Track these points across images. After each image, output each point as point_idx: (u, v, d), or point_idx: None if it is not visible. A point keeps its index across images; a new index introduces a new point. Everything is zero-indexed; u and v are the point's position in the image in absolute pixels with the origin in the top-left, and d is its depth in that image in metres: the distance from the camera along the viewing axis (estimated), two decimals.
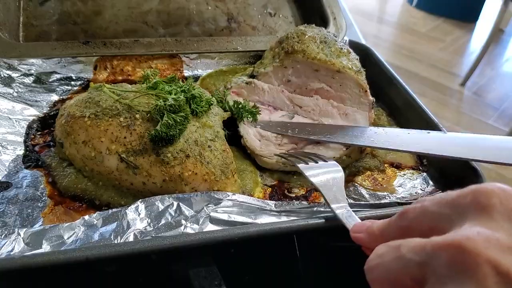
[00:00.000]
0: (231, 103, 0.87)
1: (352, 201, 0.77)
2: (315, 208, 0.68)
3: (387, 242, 0.40)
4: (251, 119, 0.86)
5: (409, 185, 0.83)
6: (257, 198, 0.74)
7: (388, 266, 0.38)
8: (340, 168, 0.71)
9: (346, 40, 1.14)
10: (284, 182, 0.82)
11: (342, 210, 0.59)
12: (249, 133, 0.85)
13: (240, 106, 0.86)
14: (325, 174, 0.68)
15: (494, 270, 0.31)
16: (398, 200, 0.76)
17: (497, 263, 0.31)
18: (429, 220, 0.40)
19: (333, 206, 0.60)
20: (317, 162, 0.73)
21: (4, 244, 0.57)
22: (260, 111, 0.88)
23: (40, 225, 0.64)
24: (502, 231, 0.34)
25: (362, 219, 0.54)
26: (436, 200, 0.41)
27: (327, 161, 0.73)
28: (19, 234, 0.58)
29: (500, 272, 0.31)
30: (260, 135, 0.86)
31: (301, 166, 0.72)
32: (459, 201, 0.38)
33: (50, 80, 0.95)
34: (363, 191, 0.81)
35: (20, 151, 0.78)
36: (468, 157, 0.71)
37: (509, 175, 2.65)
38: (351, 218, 0.56)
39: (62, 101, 0.92)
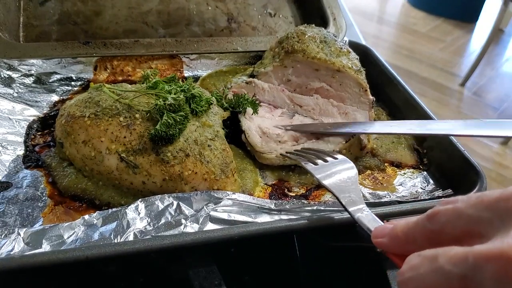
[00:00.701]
0: (230, 97, 0.87)
1: None
2: (315, 207, 0.68)
3: (420, 252, 0.36)
4: (252, 111, 0.86)
5: (410, 184, 0.83)
6: (257, 197, 0.74)
7: (424, 280, 0.34)
8: (352, 164, 0.65)
9: (346, 41, 1.14)
10: (284, 181, 0.82)
11: (361, 213, 0.54)
12: (251, 128, 0.85)
13: (240, 98, 0.86)
14: (337, 174, 0.63)
15: None
16: (399, 199, 0.75)
17: None
18: (464, 224, 0.36)
19: (350, 210, 0.55)
20: (326, 161, 0.67)
21: (4, 244, 0.57)
22: (260, 103, 0.88)
23: (40, 225, 0.64)
24: None
25: (381, 217, 0.51)
26: (472, 201, 0.37)
27: (337, 157, 0.67)
28: (19, 234, 0.58)
29: None
30: (261, 131, 0.86)
31: (309, 167, 0.67)
32: (501, 204, 0.35)
33: (50, 81, 0.96)
34: (364, 190, 0.80)
35: (20, 151, 0.78)
36: (447, 133, 0.78)
37: (509, 175, 2.65)
38: (371, 221, 0.51)
39: (62, 101, 0.92)
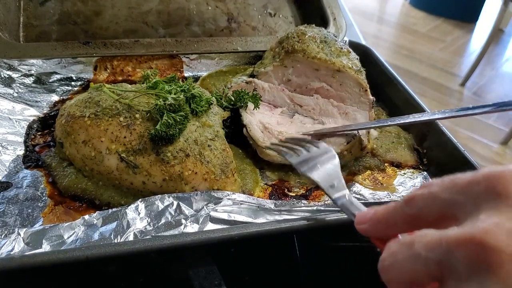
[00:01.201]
0: (230, 93, 0.87)
1: None
2: (315, 207, 0.68)
3: (398, 239, 0.38)
4: (253, 105, 0.86)
5: (409, 184, 0.83)
6: (257, 197, 0.74)
7: (402, 266, 0.35)
8: (334, 153, 0.67)
9: (346, 41, 1.14)
10: (284, 181, 0.82)
11: (343, 199, 0.56)
12: (252, 122, 0.85)
13: (241, 93, 0.86)
14: (319, 165, 0.65)
15: None
16: (399, 199, 0.75)
17: None
18: (439, 208, 0.37)
19: (333, 197, 0.57)
20: (308, 151, 0.69)
21: (4, 244, 0.57)
22: (261, 97, 0.88)
23: (40, 225, 0.64)
24: None
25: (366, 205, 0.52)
26: (446, 185, 0.38)
27: (318, 147, 0.69)
28: (19, 234, 0.58)
29: None
30: (263, 126, 0.85)
31: (292, 160, 0.68)
32: (472, 188, 0.35)
33: (50, 81, 0.96)
34: (364, 190, 0.80)
35: (20, 151, 0.78)
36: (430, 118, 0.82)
37: None
38: (353, 207, 0.53)
39: (62, 101, 0.92)
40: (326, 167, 0.64)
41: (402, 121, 0.82)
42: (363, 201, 0.75)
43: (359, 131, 0.86)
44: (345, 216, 0.63)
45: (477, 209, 0.34)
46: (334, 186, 0.59)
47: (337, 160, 0.65)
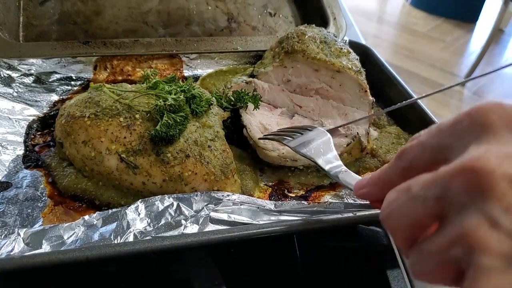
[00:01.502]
0: (230, 94, 0.87)
1: (351, 201, 0.77)
2: (315, 208, 0.68)
3: (395, 188, 0.38)
4: (253, 106, 0.86)
5: None
6: (257, 198, 0.74)
7: (402, 210, 0.36)
8: (325, 131, 0.69)
9: (346, 40, 1.14)
10: (284, 182, 0.82)
11: (340, 172, 0.58)
12: (252, 123, 0.85)
13: (241, 94, 0.86)
14: (312, 142, 0.67)
15: (510, 184, 0.30)
16: None
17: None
18: (429, 154, 0.38)
19: (328, 169, 0.59)
20: (303, 134, 0.71)
21: (4, 244, 0.57)
22: (261, 97, 0.88)
23: (40, 225, 0.64)
24: (509, 144, 0.32)
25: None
26: (432, 132, 0.39)
27: (311, 129, 0.71)
28: (19, 234, 0.58)
29: None
30: (263, 127, 0.85)
31: (288, 143, 0.70)
32: (456, 127, 0.36)
33: (50, 80, 0.95)
34: None
35: (20, 151, 0.78)
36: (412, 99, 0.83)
37: None
38: (351, 177, 0.55)
39: (62, 101, 0.92)
40: (321, 146, 0.66)
41: (391, 108, 0.83)
42: (362, 203, 0.75)
43: (358, 133, 0.86)
44: (345, 216, 0.64)
45: (465, 146, 0.34)
46: (330, 161, 0.61)
47: (328, 137, 0.68)
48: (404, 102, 0.80)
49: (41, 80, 0.95)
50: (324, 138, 0.67)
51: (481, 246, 0.29)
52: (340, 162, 0.60)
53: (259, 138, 0.81)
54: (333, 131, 0.86)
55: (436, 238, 0.34)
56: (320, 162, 0.62)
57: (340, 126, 0.86)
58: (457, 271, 0.32)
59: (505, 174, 0.30)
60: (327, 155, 0.62)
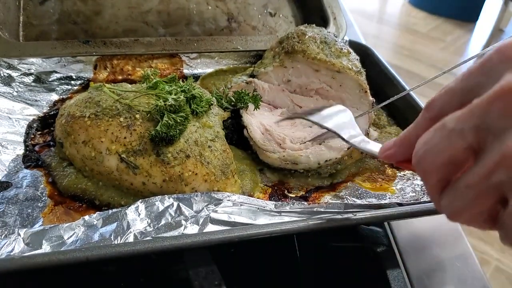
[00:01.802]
0: (231, 94, 0.87)
1: (351, 202, 0.77)
2: (315, 209, 0.68)
3: (428, 130, 0.37)
4: (254, 106, 0.86)
5: (409, 185, 0.83)
6: (257, 198, 0.74)
7: (438, 148, 0.35)
8: (345, 108, 0.68)
9: (346, 41, 1.14)
10: (284, 182, 0.82)
11: (363, 142, 0.57)
12: (252, 123, 0.85)
13: (241, 94, 0.86)
14: (333, 116, 0.66)
15: None
16: (398, 201, 0.76)
17: None
18: (460, 97, 0.37)
19: (352, 141, 0.59)
20: (322, 110, 0.69)
21: (4, 244, 0.57)
22: (261, 97, 0.88)
23: (40, 225, 0.64)
24: None
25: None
26: (459, 77, 0.37)
27: (329, 107, 0.71)
28: (19, 234, 0.58)
29: None
30: (264, 128, 0.85)
31: (309, 116, 0.68)
32: (486, 66, 0.35)
33: (50, 80, 0.95)
34: (363, 192, 0.81)
35: (20, 150, 0.78)
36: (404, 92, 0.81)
37: None
38: (374, 146, 0.55)
39: (62, 100, 0.92)
40: (341, 119, 0.65)
41: (385, 103, 0.81)
42: (362, 203, 0.75)
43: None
44: (345, 217, 0.64)
45: (497, 79, 0.33)
46: (351, 134, 0.61)
47: (349, 113, 0.67)
48: (396, 96, 0.80)
49: (41, 79, 0.94)
50: (346, 113, 0.66)
51: None
52: (363, 135, 0.60)
53: (280, 121, 0.79)
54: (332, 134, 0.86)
55: (475, 168, 0.33)
56: (343, 134, 0.61)
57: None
58: (496, 203, 0.32)
59: None
60: (350, 129, 0.61)
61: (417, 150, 0.37)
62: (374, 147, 0.55)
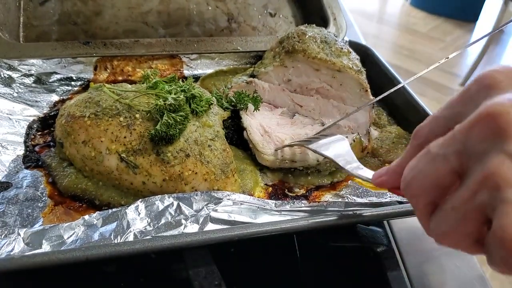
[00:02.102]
0: (231, 94, 0.87)
1: (351, 200, 0.77)
2: (315, 208, 0.68)
3: (417, 155, 0.39)
4: (254, 107, 0.86)
5: None
6: (257, 197, 0.74)
7: (424, 173, 0.37)
8: (343, 137, 0.75)
9: (346, 41, 1.14)
10: (284, 181, 0.82)
11: (357, 169, 0.63)
12: (252, 125, 0.85)
13: (241, 95, 0.86)
14: (331, 144, 0.73)
15: None
16: (399, 199, 0.75)
17: None
18: (444, 125, 0.40)
19: (347, 168, 0.64)
20: (320, 139, 0.76)
21: (4, 244, 0.57)
22: (261, 99, 0.88)
23: (40, 225, 0.64)
24: None
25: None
26: (444, 106, 0.41)
27: (329, 136, 0.77)
28: (19, 234, 0.58)
29: None
30: (263, 129, 0.85)
31: (308, 145, 0.75)
32: (466, 96, 0.38)
33: (50, 81, 0.95)
34: (364, 191, 0.80)
35: (20, 151, 0.78)
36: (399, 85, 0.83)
37: None
38: (368, 173, 0.60)
39: (62, 101, 0.92)
40: (339, 148, 0.71)
41: (380, 96, 0.83)
42: (363, 202, 0.75)
43: (359, 133, 0.86)
44: (345, 216, 0.64)
45: (476, 106, 0.35)
46: (346, 160, 0.67)
47: (346, 141, 0.73)
48: (391, 89, 0.81)
49: (41, 80, 0.95)
50: (343, 142, 0.73)
51: (507, 181, 0.30)
52: (358, 162, 0.65)
53: (286, 145, 0.82)
54: (333, 130, 0.87)
55: (459, 191, 0.34)
56: (340, 161, 0.66)
57: (338, 121, 0.86)
58: (482, 226, 0.33)
59: None
60: (346, 156, 0.67)
61: (404, 176, 0.39)
62: (367, 173, 0.60)
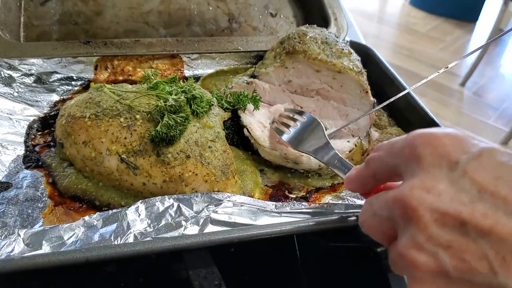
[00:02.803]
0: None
1: (351, 202, 0.77)
2: (315, 209, 0.68)
3: (368, 198, 0.47)
4: (253, 107, 0.86)
5: None
6: (258, 199, 0.74)
7: (370, 223, 0.46)
8: (316, 119, 0.79)
9: (347, 41, 1.14)
10: (284, 183, 0.82)
11: (334, 161, 0.68)
12: (252, 123, 0.84)
13: (241, 95, 0.86)
14: (307, 136, 0.77)
15: (432, 216, 0.37)
16: None
17: (434, 209, 0.37)
18: (386, 168, 0.46)
19: (324, 160, 0.69)
20: (297, 124, 0.80)
21: (4, 245, 0.57)
22: (260, 98, 0.88)
23: (40, 226, 0.64)
24: (436, 179, 0.39)
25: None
26: (388, 149, 0.46)
27: (304, 118, 0.81)
28: (19, 234, 0.58)
29: (438, 216, 0.37)
30: (262, 125, 0.85)
31: (286, 138, 0.79)
32: (401, 154, 0.43)
33: (51, 80, 0.95)
34: None
35: (21, 151, 0.78)
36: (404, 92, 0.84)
37: None
38: (343, 168, 0.66)
39: (62, 101, 0.92)
40: (314, 137, 0.76)
41: (385, 103, 0.83)
42: (363, 204, 0.75)
43: (360, 137, 0.86)
44: (345, 217, 0.64)
45: (410, 170, 0.42)
46: (323, 149, 0.72)
47: (322, 127, 0.78)
48: (396, 96, 0.82)
49: (41, 80, 0.94)
50: (318, 129, 0.77)
51: (413, 263, 0.38)
52: (334, 150, 0.70)
53: (273, 128, 0.84)
54: (335, 134, 0.86)
55: (391, 249, 0.43)
56: (317, 155, 0.72)
57: (340, 128, 0.86)
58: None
59: (430, 207, 0.37)
60: (322, 145, 0.73)
61: (360, 215, 0.48)
62: (345, 168, 0.66)
